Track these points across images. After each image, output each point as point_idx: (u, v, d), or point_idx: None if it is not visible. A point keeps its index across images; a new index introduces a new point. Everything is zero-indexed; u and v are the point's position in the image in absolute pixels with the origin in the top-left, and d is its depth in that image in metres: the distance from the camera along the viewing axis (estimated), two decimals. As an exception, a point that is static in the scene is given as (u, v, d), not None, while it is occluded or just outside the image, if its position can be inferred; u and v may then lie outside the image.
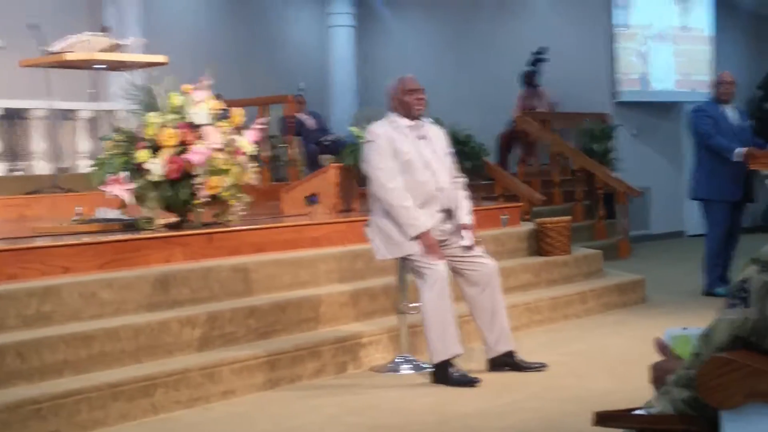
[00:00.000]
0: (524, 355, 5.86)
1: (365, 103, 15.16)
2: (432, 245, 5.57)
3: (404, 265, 5.82)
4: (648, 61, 13.88)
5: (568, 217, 8.66)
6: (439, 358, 5.58)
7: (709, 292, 8.44)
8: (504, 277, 7.26)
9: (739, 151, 8.18)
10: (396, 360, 5.96)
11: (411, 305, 5.92)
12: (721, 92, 8.56)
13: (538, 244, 8.21)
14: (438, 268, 5.56)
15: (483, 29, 14.50)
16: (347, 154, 8.11)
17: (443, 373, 5.57)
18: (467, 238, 5.77)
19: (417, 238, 5.56)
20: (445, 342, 5.55)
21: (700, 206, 8.67)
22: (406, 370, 5.88)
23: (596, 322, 7.52)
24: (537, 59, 13.13)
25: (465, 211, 5.83)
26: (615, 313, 7.86)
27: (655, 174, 13.81)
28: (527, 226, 8.49)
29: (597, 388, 5.37)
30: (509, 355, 5.83)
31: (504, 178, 10.75)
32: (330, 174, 8.17)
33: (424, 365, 5.86)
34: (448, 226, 5.74)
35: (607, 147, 12.38)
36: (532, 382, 5.56)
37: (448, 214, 5.77)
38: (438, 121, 10.56)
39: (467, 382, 5.54)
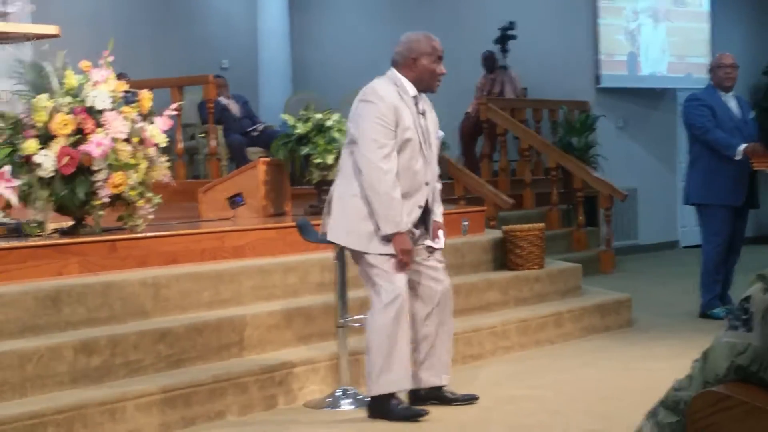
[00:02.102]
0: (489, 388, 5.88)
1: (300, 87, 15.17)
2: (407, 251, 5.50)
3: (359, 263, 5.67)
4: (637, 40, 14.03)
5: (542, 225, 8.71)
6: (378, 390, 5.57)
7: (706, 314, 8.54)
8: (464, 295, 7.38)
9: (741, 147, 8.26)
10: (335, 393, 5.95)
11: (356, 318, 5.95)
12: (721, 77, 8.64)
13: (506, 256, 8.26)
14: (398, 284, 5.54)
15: (443, 2, 14.54)
16: (278, 147, 8.09)
17: (382, 408, 5.58)
18: (442, 239, 5.80)
19: (390, 238, 5.48)
20: (390, 372, 5.54)
21: (696, 212, 8.76)
22: (347, 405, 5.88)
23: (573, 349, 7.58)
24: (504, 36, 13.18)
25: (441, 209, 5.86)
26: (595, 339, 7.92)
27: (644, 174, 13.96)
28: (493, 235, 8.54)
29: (573, 428, 5.40)
30: (438, 388, 5.86)
31: (465, 178, 10.80)
32: (258, 170, 8.14)
33: (367, 399, 5.87)
34: (418, 230, 5.73)
35: (587, 141, 12.47)
36: (496, 419, 5.58)
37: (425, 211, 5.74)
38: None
39: (412, 415, 5.56)
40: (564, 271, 8.54)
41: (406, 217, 5.54)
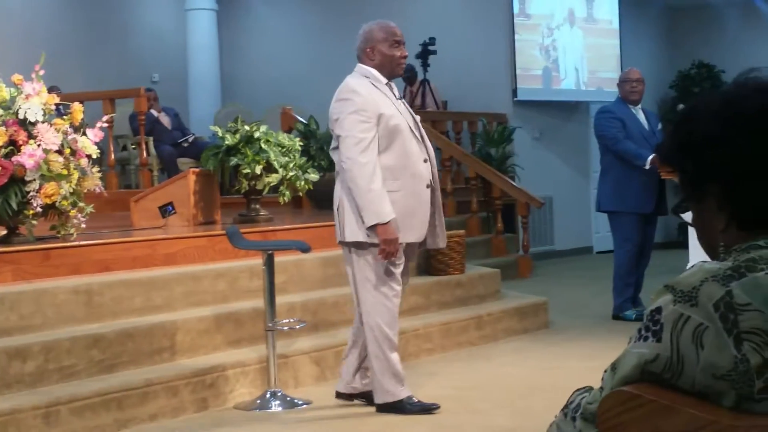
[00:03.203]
0: (413, 389, 5.89)
1: (229, 99, 15.12)
2: (393, 240, 5.39)
3: (355, 263, 5.58)
4: (551, 55, 14.16)
5: (462, 232, 8.77)
6: (393, 398, 5.63)
7: (618, 316, 8.64)
8: (389, 300, 7.37)
9: (650, 157, 8.37)
10: (265, 395, 5.94)
11: (284, 322, 5.94)
12: (627, 91, 8.76)
13: (429, 262, 8.29)
14: (398, 287, 5.56)
15: (367, 15, 14.54)
16: (209, 158, 8.05)
17: (394, 409, 5.64)
18: (443, 237, 5.78)
19: (373, 228, 5.38)
20: (396, 380, 5.62)
21: (608, 219, 8.87)
22: (276, 407, 5.87)
23: (494, 350, 7.63)
24: (425, 51, 13.21)
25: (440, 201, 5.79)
26: (515, 340, 7.98)
27: (559, 183, 14.08)
28: (415, 242, 8.55)
29: (495, 425, 5.45)
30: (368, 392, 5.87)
31: (389, 187, 10.80)
32: (188, 180, 8.09)
33: (297, 401, 5.87)
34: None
35: (505, 152, 12.57)
36: (420, 419, 5.60)
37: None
38: (311, 121, 10.72)
39: (426, 409, 5.65)
40: (484, 276, 8.59)
41: (389, 206, 5.40)
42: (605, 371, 1.81)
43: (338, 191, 5.58)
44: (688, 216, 1.93)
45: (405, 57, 5.71)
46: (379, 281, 5.52)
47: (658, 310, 1.73)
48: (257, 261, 6.34)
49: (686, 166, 1.84)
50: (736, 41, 15.92)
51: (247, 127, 7.95)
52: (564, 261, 13.62)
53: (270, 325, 6.00)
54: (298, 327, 6.33)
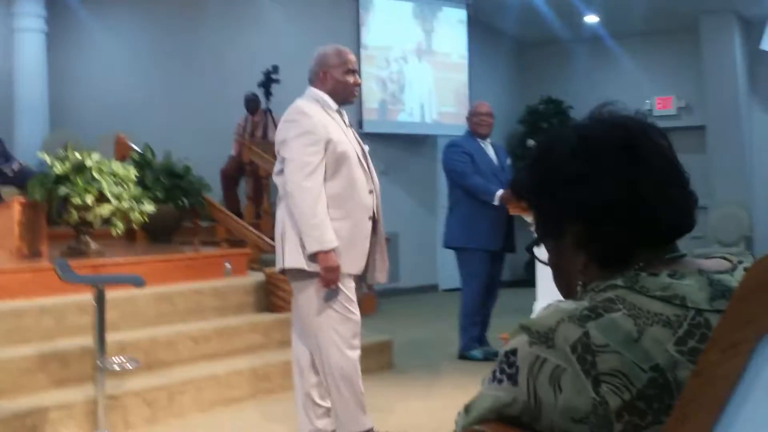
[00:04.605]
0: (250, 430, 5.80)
1: (58, 125, 14.79)
2: (334, 269, 5.28)
3: (301, 292, 5.46)
4: (389, 88, 14.18)
5: (305, 267, 8.72)
6: (359, 428, 5.52)
7: (464, 355, 8.69)
8: (228, 337, 7.32)
9: (499, 193, 8.47)
10: (91, 439, 5.79)
11: (115, 360, 5.79)
12: (476, 124, 8.85)
13: (268, 299, 8.23)
14: (358, 315, 5.48)
15: (208, 42, 14.47)
16: (35, 187, 7.84)
17: None
18: (383, 271, 5.68)
19: (314, 256, 5.26)
20: (360, 412, 5.53)
21: (456, 256, 8.91)
22: (103, 451, 5.72)
23: (335, 390, 7.57)
24: (268, 79, 13.18)
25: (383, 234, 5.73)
26: (357, 381, 7.93)
27: (405, 218, 14.18)
28: (255, 277, 8.49)
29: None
30: None
31: (228, 220, 10.71)
32: (12, 210, 7.87)
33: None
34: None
35: (349, 185, 12.56)
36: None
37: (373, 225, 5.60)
38: (147, 150, 10.55)
39: None
40: (326, 313, 8.54)
41: (332, 233, 5.30)
42: (458, 413, 1.78)
43: (281, 217, 5.46)
44: (542, 254, 1.93)
45: (358, 84, 5.64)
46: (329, 308, 5.42)
47: (514, 351, 1.71)
48: (86, 296, 6.17)
49: (545, 205, 1.83)
50: (584, 77, 16.38)
51: (78, 155, 7.77)
52: (409, 299, 13.69)
53: (99, 364, 5.83)
54: (130, 367, 6.17)
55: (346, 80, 5.56)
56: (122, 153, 11.01)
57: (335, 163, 5.39)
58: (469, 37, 15.13)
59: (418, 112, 14.60)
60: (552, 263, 1.89)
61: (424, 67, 14.64)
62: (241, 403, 7.00)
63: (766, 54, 15.12)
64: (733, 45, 15.39)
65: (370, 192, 5.56)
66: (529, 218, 8.26)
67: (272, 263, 9.67)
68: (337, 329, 5.44)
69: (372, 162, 5.60)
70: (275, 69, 13.02)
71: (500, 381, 1.71)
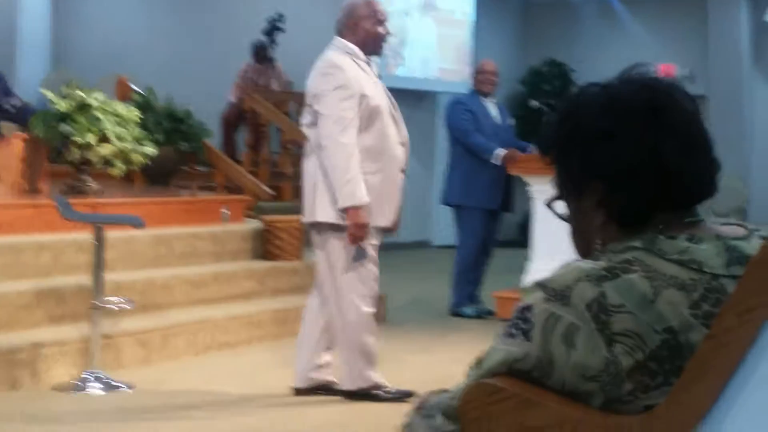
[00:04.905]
0: (240, 378, 5.82)
1: (60, 63, 14.72)
2: (363, 225, 5.34)
3: (328, 245, 5.50)
4: (397, 41, 14.07)
5: (300, 217, 8.72)
6: (367, 383, 5.58)
7: (456, 312, 8.73)
8: (223, 283, 7.35)
9: (499, 152, 8.48)
10: (83, 376, 5.80)
11: (110, 299, 5.85)
12: (481, 82, 8.85)
13: (265, 247, 8.24)
14: (376, 269, 5.52)
15: (211, -13, 14.39)
16: (36, 123, 7.82)
17: (368, 397, 5.60)
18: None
19: (345, 211, 5.32)
20: (369, 368, 5.57)
21: (453, 213, 8.93)
22: (94, 389, 5.75)
23: (328, 341, 7.61)
24: (273, 28, 13.11)
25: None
26: (350, 332, 7.97)
27: (401, 173, 14.13)
28: (252, 225, 8.51)
29: (332, 421, 5.45)
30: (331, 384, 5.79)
31: (227, 167, 10.69)
32: (13, 147, 7.87)
33: (116, 384, 5.76)
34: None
35: (350, 137, 12.51)
36: (252, 408, 5.56)
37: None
38: (149, 92, 10.52)
39: (402, 397, 5.59)
40: (322, 264, 8.56)
41: (364, 189, 5.35)
42: (469, 367, 1.80)
43: (311, 169, 5.49)
44: (559, 209, 1.94)
45: (388, 34, 5.67)
46: (354, 263, 5.46)
47: (529, 307, 1.72)
48: (85, 235, 6.19)
49: (570, 161, 1.84)
50: (589, 40, 16.33)
51: (81, 94, 7.74)
52: (404, 254, 13.69)
53: (95, 303, 5.86)
54: (126, 307, 6.19)
55: (377, 31, 5.58)
56: (124, 95, 10.96)
57: (368, 117, 5.42)
58: (477, -5, 15.12)
59: (418, 68, 14.54)
60: (571, 220, 1.90)
61: (426, 23, 14.56)
62: (234, 349, 7.04)
63: (772, 27, 15.14)
64: (740, 15, 15.35)
65: (402, 144, 5.58)
66: (530, 179, 8.35)
67: (269, 211, 9.73)
68: (357, 286, 5.48)
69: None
70: (280, 17, 12.96)
71: (513, 336, 1.72)
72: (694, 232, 1.76)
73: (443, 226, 13.56)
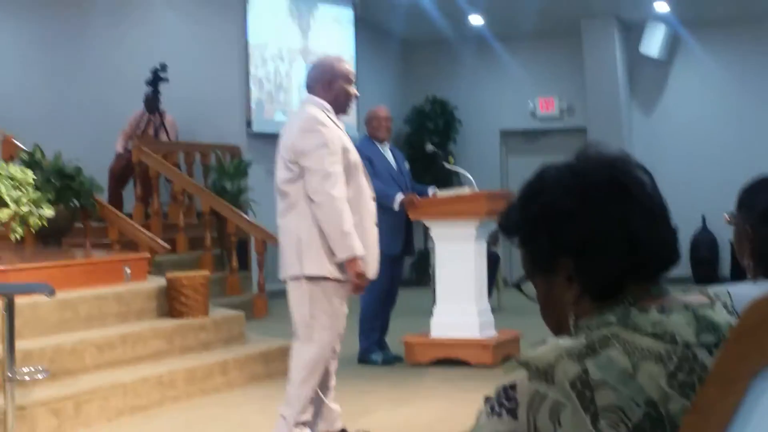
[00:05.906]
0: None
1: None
2: (363, 274, 5.58)
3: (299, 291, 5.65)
4: (265, 86, 14.04)
5: (206, 272, 8.74)
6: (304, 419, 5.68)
7: (364, 359, 8.78)
8: (132, 344, 7.31)
9: (398, 197, 8.57)
10: (2, 452, 5.74)
11: (24, 370, 5.78)
12: (375, 127, 8.95)
13: (170, 304, 8.21)
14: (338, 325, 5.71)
15: (95, 40, 14.20)
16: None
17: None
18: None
19: (342, 263, 5.53)
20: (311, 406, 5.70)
21: (354, 260, 8.97)
22: (13, 463, 5.68)
23: (240, 396, 7.63)
24: (155, 78, 12.99)
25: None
26: (261, 386, 7.98)
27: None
28: (156, 282, 8.46)
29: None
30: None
31: (120, 222, 10.61)
32: None
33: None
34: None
35: (240, 185, 12.50)
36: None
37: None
38: (36, 150, 10.38)
39: None
40: (228, 318, 8.57)
41: (360, 241, 5.58)
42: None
43: (293, 226, 5.61)
44: (529, 290, 2.02)
45: (356, 95, 5.84)
46: (332, 315, 5.67)
47: (513, 387, 1.77)
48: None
49: (539, 241, 1.93)
50: (469, 78, 16.59)
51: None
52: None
53: (9, 374, 5.79)
54: (40, 377, 6.13)
55: (349, 91, 5.74)
56: (10, 153, 10.83)
57: (348, 172, 5.60)
58: (356, 37, 15.22)
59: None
60: (541, 298, 1.98)
61: (303, 66, 14.57)
62: (147, 411, 7.00)
63: (646, 57, 15.55)
64: (614, 48, 15.75)
65: (373, 198, 5.82)
66: (431, 223, 8.46)
67: (167, 265, 9.70)
68: (332, 331, 5.70)
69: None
70: (163, 67, 12.86)
71: (499, 414, 1.77)
72: (663, 303, 1.84)
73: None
